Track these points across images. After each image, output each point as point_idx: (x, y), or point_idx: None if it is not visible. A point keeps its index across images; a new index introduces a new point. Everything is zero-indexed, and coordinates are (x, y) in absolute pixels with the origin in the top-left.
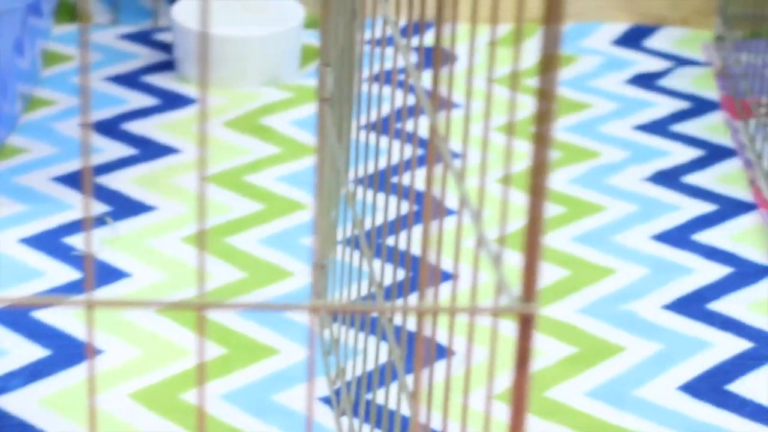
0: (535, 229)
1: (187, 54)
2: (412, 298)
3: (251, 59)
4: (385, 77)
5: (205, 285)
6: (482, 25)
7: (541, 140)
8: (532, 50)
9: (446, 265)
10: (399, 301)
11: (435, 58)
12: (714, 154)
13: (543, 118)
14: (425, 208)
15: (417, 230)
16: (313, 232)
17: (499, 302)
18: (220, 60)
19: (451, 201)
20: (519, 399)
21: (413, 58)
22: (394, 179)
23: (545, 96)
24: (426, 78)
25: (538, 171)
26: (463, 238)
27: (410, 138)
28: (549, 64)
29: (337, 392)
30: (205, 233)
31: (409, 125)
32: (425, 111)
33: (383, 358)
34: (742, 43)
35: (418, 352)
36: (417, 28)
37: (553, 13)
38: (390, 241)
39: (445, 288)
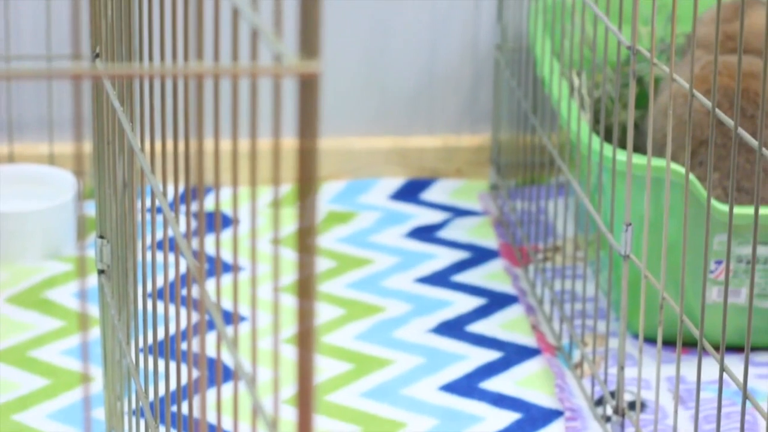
0: (306, 390)
1: None
2: None
3: (30, 233)
4: (168, 245)
5: None
6: (261, 188)
7: (305, 295)
8: (316, 207)
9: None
10: None
11: (199, 224)
12: (496, 301)
13: (304, 284)
14: (200, 377)
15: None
16: (97, 406)
17: None
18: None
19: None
20: None
21: (189, 224)
22: (177, 347)
23: (305, 252)
24: (208, 242)
25: (304, 334)
26: (243, 402)
27: (194, 305)
28: (306, 229)
29: None
30: None
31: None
32: (196, 280)
33: None
34: (516, 190)
35: None
36: (193, 193)
37: (306, 176)
38: (175, 409)
39: None
